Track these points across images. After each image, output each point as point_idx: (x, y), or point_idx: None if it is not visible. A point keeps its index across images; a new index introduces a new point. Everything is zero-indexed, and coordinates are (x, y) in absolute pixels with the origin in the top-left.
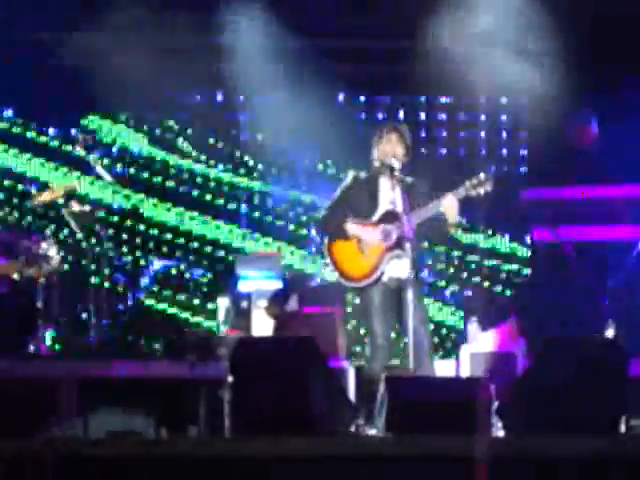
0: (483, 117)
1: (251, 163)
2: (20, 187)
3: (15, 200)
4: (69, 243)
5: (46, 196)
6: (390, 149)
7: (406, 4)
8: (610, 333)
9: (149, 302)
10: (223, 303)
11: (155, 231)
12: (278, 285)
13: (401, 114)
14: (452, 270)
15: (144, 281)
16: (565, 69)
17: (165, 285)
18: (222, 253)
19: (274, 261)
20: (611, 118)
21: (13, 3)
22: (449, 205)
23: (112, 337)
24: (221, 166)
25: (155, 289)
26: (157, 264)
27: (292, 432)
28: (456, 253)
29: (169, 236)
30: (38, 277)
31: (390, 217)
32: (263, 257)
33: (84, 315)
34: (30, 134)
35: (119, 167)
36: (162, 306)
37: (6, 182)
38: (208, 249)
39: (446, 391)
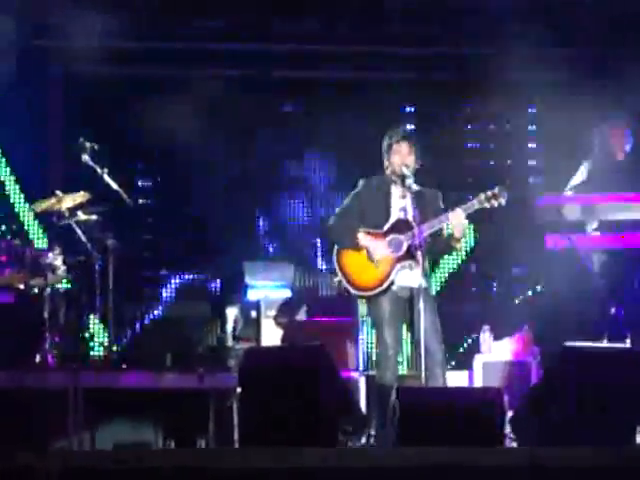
0: (492, 126)
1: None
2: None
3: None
4: (76, 253)
5: (51, 204)
6: (400, 159)
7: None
8: (627, 342)
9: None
10: (232, 313)
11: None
12: (287, 294)
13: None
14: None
15: (165, 294)
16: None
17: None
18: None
19: (284, 270)
20: None
21: None
22: (456, 220)
23: (121, 348)
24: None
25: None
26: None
27: (302, 443)
28: None
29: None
30: (44, 287)
31: (401, 226)
32: (272, 266)
33: (91, 326)
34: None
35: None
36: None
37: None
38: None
39: (459, 401)
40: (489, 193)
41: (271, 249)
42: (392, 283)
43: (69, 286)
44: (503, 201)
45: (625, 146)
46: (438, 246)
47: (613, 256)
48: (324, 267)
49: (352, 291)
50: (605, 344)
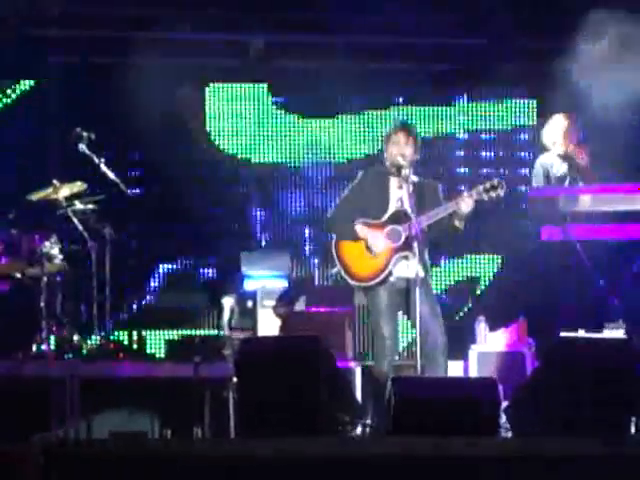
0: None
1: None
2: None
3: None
4: (73, 242)
5: (48, 194)
6: (398, 150)
7: None
8: (621, 333)
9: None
10: (228, 302)
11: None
12: (284, 284)
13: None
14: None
15: (152, 283)
16: None
17: (173, 286)
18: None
19: (280, 260)
20: None
21: None
22: (467, 208)
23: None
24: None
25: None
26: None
27: (298, 432)
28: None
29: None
30: (41, 276)
31: (399, 217)
32: (269, 255)
33: (87, 315)
34: None
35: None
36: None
37: None
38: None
39: (453, 391)
40: (487, 185)
41: (265, 239)
42: (390, 274)
43: (66, 275)
44: (502, 193)
45: (578, 139)
46: (438, 233)
47: (608, 246)
48: (317, 259)
49: (350, 282)
50: (600, 334)
